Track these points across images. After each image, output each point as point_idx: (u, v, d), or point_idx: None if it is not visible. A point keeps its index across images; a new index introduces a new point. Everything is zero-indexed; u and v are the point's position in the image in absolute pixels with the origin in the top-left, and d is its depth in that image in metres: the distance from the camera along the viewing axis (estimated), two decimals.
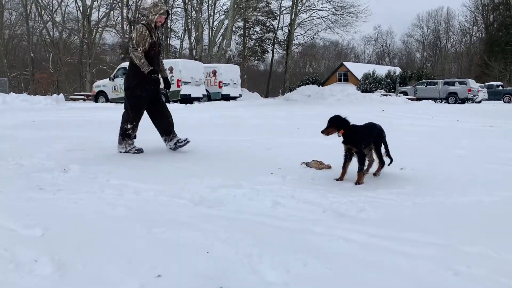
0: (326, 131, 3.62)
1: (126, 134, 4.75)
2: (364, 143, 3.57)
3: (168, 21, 37.31)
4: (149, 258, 1.93)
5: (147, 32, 4.59)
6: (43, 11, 33.79)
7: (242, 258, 1.92)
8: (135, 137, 4.86)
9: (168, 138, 4.90)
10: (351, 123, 3.61)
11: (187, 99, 18.28)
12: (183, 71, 18.28)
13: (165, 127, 4.89)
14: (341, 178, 3.56)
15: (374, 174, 3.75)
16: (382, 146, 3.77)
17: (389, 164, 3.78)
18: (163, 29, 4.73)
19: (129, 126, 4.74)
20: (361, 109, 14.77)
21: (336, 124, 3.58)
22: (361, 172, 3.48)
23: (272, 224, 2.41)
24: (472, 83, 26.91)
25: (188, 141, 4.88)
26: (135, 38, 4.58)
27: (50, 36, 35.74)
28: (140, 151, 4.78)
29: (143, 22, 4.69)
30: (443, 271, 1.82)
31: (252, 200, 2.91)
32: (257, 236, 2.20)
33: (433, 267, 1.85)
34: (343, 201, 2.90)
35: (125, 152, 4.74)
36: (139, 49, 4.57)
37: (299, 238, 2.20)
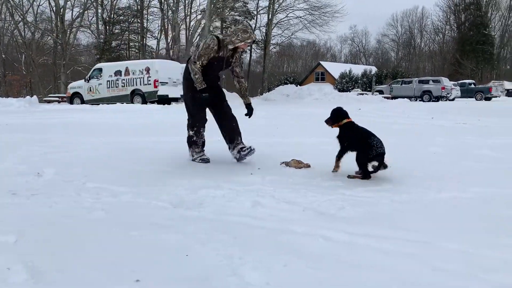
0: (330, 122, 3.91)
1: (192, 141, 4.45)
2: (348, 142, 3.74)
3: (144, 20, 36.92)
4: (128, 263, 1.89)
5: (216, 47, 4.14)
6: (14, 11, 32.90)
7: (223, 260, 1.91)
8: (203, 145, 4.51)
9: (231, 146, 4.47)
10: (350, 120, 3.82)
11: (165, 100, 18.10)
12: (160, 72, 18.10)
13: (231, 135, 4.45)
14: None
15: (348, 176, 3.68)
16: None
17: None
18: (233, 54, 4.20)
19: (191, 133, 4.44)
20: None
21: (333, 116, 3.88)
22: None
23: (252, 224, 2.40)
24: (446, 81, 27.61)
25: (252, 150, 4.32)
26: (199, 49, 4.16)
27: (22, 36, 34.87)
28: (206, 161, 4.38)
29: (219, 35, 4.26)
30: (421, 267, 1.84)
31: (232, 201, 2.89)
32: (238, 237, 2.19)
33: (412, 264, 1.87)
34: (322, 200, 2.91)
35: (193, 160, 4.43)
36: (198, 62, 4.13)
37: (279, 238, 2.20)
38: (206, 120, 4.48)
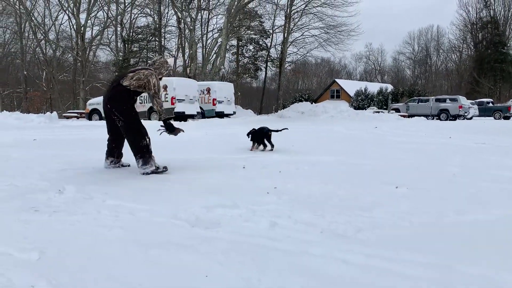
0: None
1: (148, 151, 4.70)
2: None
3: (162, 39, 37.62)
4: (146, 282, 1.91)
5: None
6: (37, 30, 33.92)
7: (241, 281, 1.91)
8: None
9: (115, 161, 5.05)
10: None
11: (181, 117, 18.33)
12: (177, 89, 18.36)
13: (119, 150, 5.06)
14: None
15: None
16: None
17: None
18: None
19: (146, 141, 4.71)
20: (354, 125, 14.88)
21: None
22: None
23: (269, 246, 2.40)
24: (463, 100, 27.28)
25: (128, 166, 5.06)
26: (156, 86, 4.80)
27: (44, 54, 35.81)
28: (166, 168, 4.73)
29: (155, 72, 4.91)
30: None
31: (249, 221, 2.90)
32: (255, 258, 2.20)
33: None
34: (340, 221, 2.90)
35: (156, 169, 4.64)
36: (159, 94, 4.86)
37: (297, 260, 2.20)
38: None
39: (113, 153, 5.01)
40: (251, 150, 6.82)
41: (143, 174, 4.61)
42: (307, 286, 1.88)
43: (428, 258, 2.19)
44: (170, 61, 5.71)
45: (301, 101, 33.30)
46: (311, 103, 30.54)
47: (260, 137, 6.85)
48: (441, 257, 2.20)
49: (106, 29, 35.04)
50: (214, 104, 21.73)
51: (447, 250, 2.33)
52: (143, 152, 4.67)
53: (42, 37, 34.46)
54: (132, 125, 4.76)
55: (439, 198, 3.63)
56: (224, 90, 22.42)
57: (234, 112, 23.58)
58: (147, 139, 4.74)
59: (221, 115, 21.59)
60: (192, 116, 19.12)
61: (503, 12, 49.51)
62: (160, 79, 4.97)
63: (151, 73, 4.81)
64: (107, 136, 5.08)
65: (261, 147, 6.84)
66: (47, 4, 34.43)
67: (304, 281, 1.92)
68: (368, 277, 1.97)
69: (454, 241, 2.51)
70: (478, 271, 2.03)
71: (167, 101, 18.52)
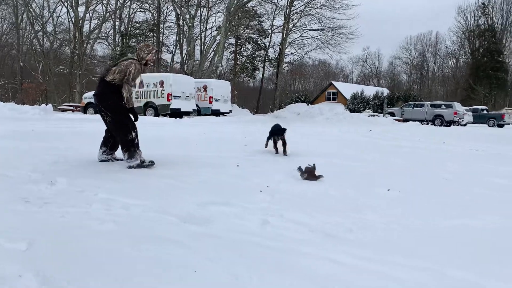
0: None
1: (134, 144, 4.71)
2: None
3: (160, 35, 37.52)
4: (136, 276, 1.91)
5: (140, 68, 4.82)
6: (34, 21, 33.70)
7: (230, 278, 1.92)
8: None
9: (108, 152, 5.00)
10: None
11: (177, 113, 18.28)
12: (174, 85, 18.31)
13: (115, 142, 4.97)
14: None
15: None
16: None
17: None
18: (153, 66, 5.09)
19: (133, 135, 4.71)
20: (349, 128, 14.92)
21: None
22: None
23: (260, 243, 2.41)
24: (458, 106, 27.45)
25: (122, 160, 4.92)
26: (132, 73, 4.69)
27: (41, 46, 35.59)
28: (152, 163, 4.70)
29: (135, 58, 4.85)
30: None
31: (241, 219, 2.90)
32: (245, 255, 2.20)
33: None
34: (331, 221, 2.91)
35: (141, 162, 4.64)
36: (133, 83, 4.74)
37: (286, 258, 2.20)
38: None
39: (107, 143, 4.99)
40: (266, 147, 6.34)
41: (129, 167, 4.63)
42: (296, 285, 1.89)
43: (416, 261, 2.21)
44: (152, 45, 5.41)
45: (297, 102, 33.35)
46: (308, 105, 30.57)
47: (273, 133, 6.24)
48: (430, 261, 2.22)
49: (104, 23, 34.89)
50: (210, 102, 21.72)
51: (435, 254, 2.35)
52: (129, 146, 4.69)
53: (39, 28, 34.26)
54: (118, 119, 4.77)
55: (430, 203, 3.65)
56: (221, 88, 22.40)
57: (230, 111, 23.58)
58: (133, 133, 4.74)
59: (217, 113, 21.57)
60: (188, 113, 19.09)
61: (500, 21, 49.88)
62: (146, 64, 4.91)
63: (131, 62, 4.81)
64: (105, 127, 5.08)
65: (274, 149, 6.23)
66: None
67: (293, 280, 1.93)
68: (357, 279, 1.98)
69: (442, 245, 2.53)
70: (464, 275, 2.05)
71: (164, 97, 18.48)
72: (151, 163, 4.71)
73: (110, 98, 4.76)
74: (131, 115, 4.85)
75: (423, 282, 1.96)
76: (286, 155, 6.05)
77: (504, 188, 4.48)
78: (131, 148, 4.70)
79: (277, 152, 6.17)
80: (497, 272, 2.10)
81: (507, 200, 3.92)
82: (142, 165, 4.66)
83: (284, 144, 6.09)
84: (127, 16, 37.22)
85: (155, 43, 37.07)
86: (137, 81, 4.86)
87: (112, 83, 4.73)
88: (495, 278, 2.03)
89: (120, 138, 4.74)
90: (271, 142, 6.35)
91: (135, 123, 4.86)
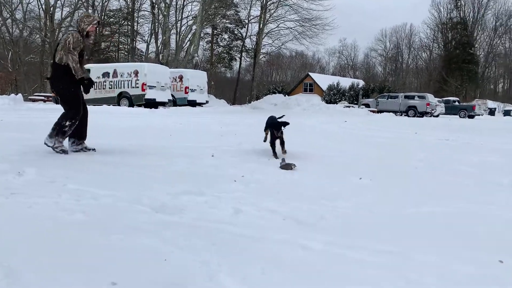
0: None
1: (62, 131, 4.71)
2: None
3: (135, 24, 36.82)
4: (105, 266, 1.88)
5: (81, 39, 4.75)
6: (3, 8, 32.51)
7: (200, 266, 1.92)
8: (78, 137, 4.89)
9: (77, 142, 4.95)
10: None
11: (152, 104, 18.04)
12: (149, 75, 18.06)
13: (81, 132, 4.95)
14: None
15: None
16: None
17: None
18: (92, 39, 4.88)
19: (67, 123, 4.71)
20: (325, 119, 15.06)
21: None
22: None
23: (232, 231, 2.42)
24: (431, 98, 28.11)
25: (94, 150, 4.96)
26: (71, 42, 4.64)
27: (10, 33, 34.41)
28: (65, 152, 4.71)
29: (75, 29, 4.82)
30: (396, 279, 1.88)
31: (214, 208, 2.90)
32: (217, 243, 2.20)
33: (386, 275, 1.91)
34: (303, 209, 2.94)
35: (52, 147, 4.67)
36: (75, 53, 4.65)
37: (258, 245, 2.22)
38: (81, 113, 4.86)
39: (74, 134, 4.92)
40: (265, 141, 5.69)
41: (44, 144, 4.69)
42: (267, 271, 1.91)
43: (383, 245, 2.26)
44: (93, 15, 5.30)
45: (274, 93, 33.41)
46: (285, 96, 30.65)
47: (270, 126, 5.51)
48: (396, 245, 2.27)
49: (76, 11, 33.95)
50: (186, 92, 21.52)
51: (402, 239, 2.41)
52: (57, 129, 4.70)
53: (8, 16, 33.07)
54: (65, 107, 4.81)
55: (400, 190, 3.74)
56: (197, 79, 22.20)
57: (207, 102, 23.42)
58: (70, 123, 4.71)
59: (193, 103, 21.39)
60: (163, 104, 18.86)
61: (472, 14, 51.06)
62: (88, 35, 4.86)
63: (69, 33, 4.80)
64: None
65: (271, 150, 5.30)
66: None
67: (264, 266, 1.95)
68: (327, 264, 2.02)
69: (410, 231, 2.60)
70: (429, 259, 2.11)
71: (138, 87, 18.19)
72: (62, 152, 4.69)
73: (62, 82, 4.75)
74: (82, 87, 4.83)
75: (390, 265, 2.01)
76: (284, 154, 5.03)
77: (470, 175, 4.62)
78: (58, 132, 4.69)
79: (276, 157, 5.14)
80: (462, 256, 2.17)
81: (472, 187, 4.05)
82: (53, 147, 4.68)
83: (282, 143, 5.24)
84: (101, 3, 36.34)
85: (129, 32, 36.39)
86: (78, 50, 4.69)
87: (63, 64, 4.70)
88: (459, 261, 2.09)
89: (59, 120, 4.75)
90: (271, 139, 5.48)
91: (84, 110, 4.88)
